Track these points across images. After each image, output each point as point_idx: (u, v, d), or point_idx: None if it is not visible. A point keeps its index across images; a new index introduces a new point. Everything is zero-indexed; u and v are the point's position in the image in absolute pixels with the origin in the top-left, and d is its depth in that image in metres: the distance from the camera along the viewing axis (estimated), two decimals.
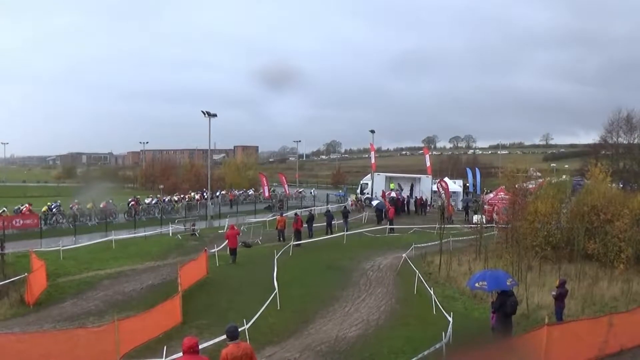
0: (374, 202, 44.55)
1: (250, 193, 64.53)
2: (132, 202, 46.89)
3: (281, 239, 32.46)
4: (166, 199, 52.63)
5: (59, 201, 42.84)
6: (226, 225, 34.06)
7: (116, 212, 44.19)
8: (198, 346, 8.31)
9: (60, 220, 40.05)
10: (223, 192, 62.78)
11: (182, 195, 55.99)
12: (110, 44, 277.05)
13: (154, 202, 50.05)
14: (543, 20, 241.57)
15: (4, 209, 39.44)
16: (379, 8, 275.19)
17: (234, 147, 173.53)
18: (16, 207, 40.07)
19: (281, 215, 35.51)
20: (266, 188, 60.21)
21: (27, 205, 40.61)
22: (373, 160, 63.18)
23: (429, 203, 51.72)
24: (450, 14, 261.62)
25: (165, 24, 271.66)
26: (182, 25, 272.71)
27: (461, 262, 24.93)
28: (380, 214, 41.67)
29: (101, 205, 43.35)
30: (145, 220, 43.25)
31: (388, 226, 37.95)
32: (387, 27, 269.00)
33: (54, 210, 40.87)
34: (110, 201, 45.24)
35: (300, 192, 66.05)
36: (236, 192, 63.99)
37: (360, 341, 15.19)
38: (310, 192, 67.34)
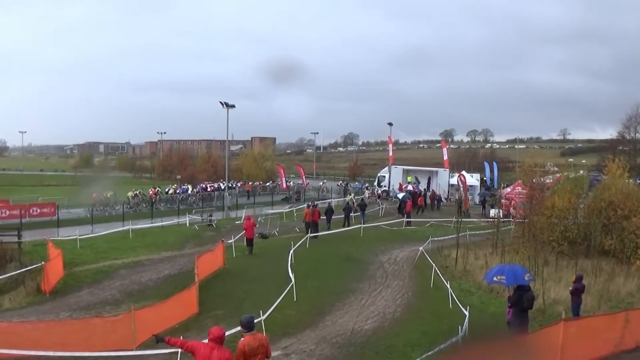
0: (400, 195, 44.23)
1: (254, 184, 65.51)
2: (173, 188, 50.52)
3: (310, 231, 30.52)
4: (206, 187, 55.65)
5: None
6: (243, 217, 34.08)
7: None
8: (224, 337, 8.32)
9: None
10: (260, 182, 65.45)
11: (220, 183, 58.22)
12: (127, 36, 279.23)
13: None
14: (560, 15, 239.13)
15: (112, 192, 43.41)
16: (395, 1, 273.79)
17: (251, 138, 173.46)
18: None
19: (307, 207, 33.43)
20: (284, 179, 60.25)
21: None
22: (390, 153, 63.00)
23: (444, 197, 51.35)
24: (466, 8, 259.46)
25: (182, 16, 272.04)
26: (198, 19, 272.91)
27: (478, 256, 24.83)
28: (404, 205, 41.19)
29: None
30: (163, 210, 43.77)
31: (405, 219, 37.83)
32: (403, 21, 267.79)
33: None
34: (137, 192, 46.23)
35: (305, 185, 65.43)
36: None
37: (376, 334, 15.20)
38: (336, 184, 67.58)
